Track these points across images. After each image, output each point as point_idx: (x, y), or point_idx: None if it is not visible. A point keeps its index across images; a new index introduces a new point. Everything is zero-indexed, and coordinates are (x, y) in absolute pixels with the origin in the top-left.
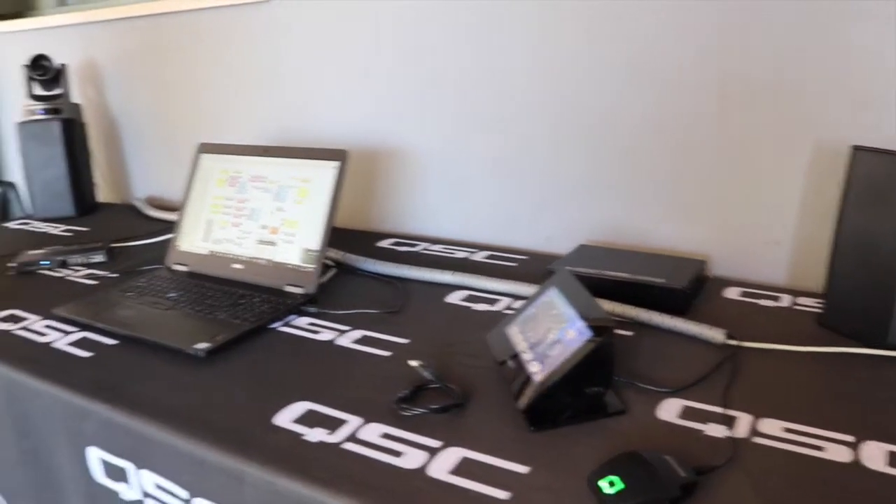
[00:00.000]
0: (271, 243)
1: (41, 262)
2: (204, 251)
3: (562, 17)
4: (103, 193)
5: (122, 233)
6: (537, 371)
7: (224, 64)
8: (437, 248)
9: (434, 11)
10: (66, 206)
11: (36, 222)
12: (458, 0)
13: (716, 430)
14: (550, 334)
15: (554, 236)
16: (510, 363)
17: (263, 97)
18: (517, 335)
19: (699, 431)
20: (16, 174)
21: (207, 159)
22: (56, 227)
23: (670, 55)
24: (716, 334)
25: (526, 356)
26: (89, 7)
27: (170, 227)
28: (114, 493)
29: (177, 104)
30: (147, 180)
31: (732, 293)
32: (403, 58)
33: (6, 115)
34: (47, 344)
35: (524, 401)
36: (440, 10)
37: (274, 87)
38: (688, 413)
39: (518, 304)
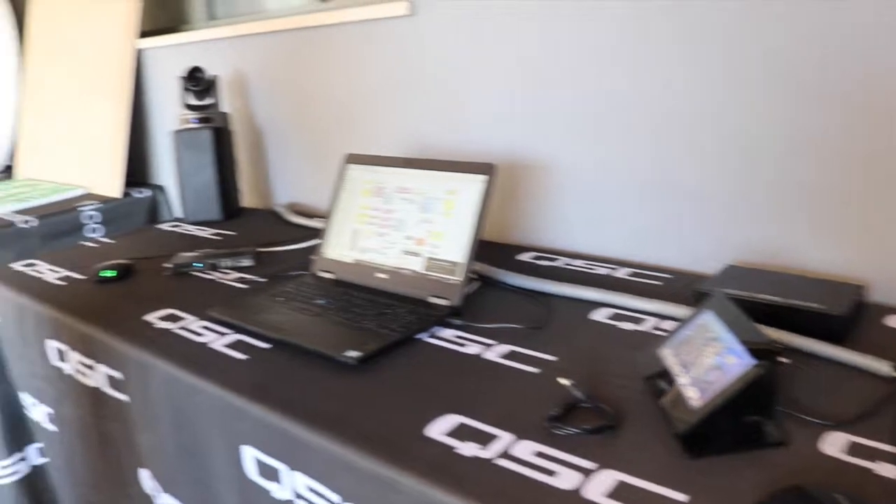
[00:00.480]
0: (416, 254)
1: (194, 264)
2: (349, 260)
3: (702, 31)
4: (246, 198)
5: (266, 237)
6: (695, 396)
7: (367, 76)
8: (577, 264)
9: (578, 27)
10: (214, 211)
11: (186, 225)
12: (602, 17)
13: (887, 470)
14: (708, 359)
15: (699, 255)
16: (664, 386)
17: (406, 109)
18: (671, 357)
19: (868, 470)
20: (165, 178)
21: (354, 169)
22: (204, 231)
23: (821, 62)
24: (882, 366)
25: (681, 380)
26: (238, 21)
27: (311, 233)
28: (265, 492)
29: (319, 114)
30: (288, 187)
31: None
32: (546, 72)
33: (158, 122)
34: (204, 344)
35: (682, 426)
36: (584, 26)
37: (416, 99)
38: (854, 449)
39: (665, 324)
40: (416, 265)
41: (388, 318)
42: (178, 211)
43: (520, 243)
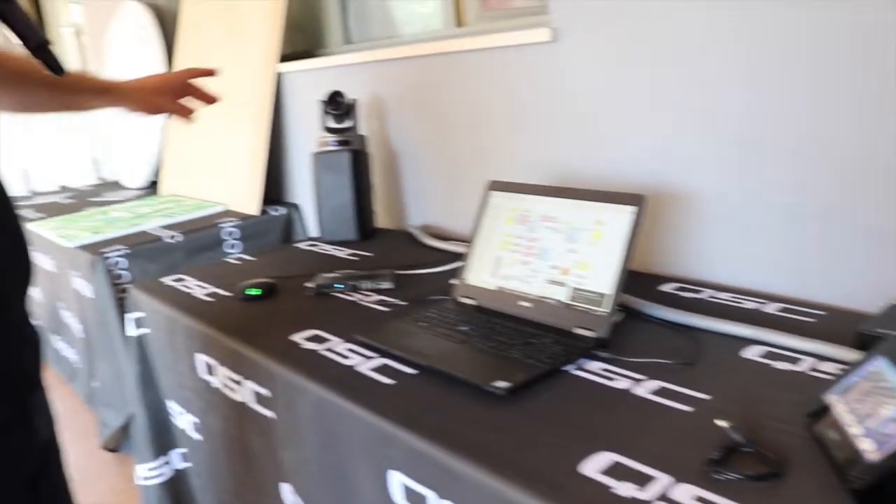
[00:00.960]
0: (561, 284)
1: (335, 285)
2: (492, 287)
3: (847, 53)
4: (380, 219)
5: (402, 260)
6: (871, 449)
7: (504, 102)
8: (723, 296)
9: (724, 53)
10: (350, 231)
11: (322, 244)
12: (745, 41)
13: None
14: (883, 409)
15: (852, 290)
16: (831, 434)
17: (543, 136)
18: (839, 404)
19: None
20: (299, 197)
21: (497, 196)
22: (341, 251)
23: None
24: None
25: (853, 430)
26: (375, 47)
27: (447, 257)
28: None
29: (455, 138)
30: (422, 209)
31: None
32: (690, 100)
33: (294, 142)
34: (351, 367)
35: (858, 481)
36: (730, 52)
37: (554, 126)
38: None
39: (823, 365)
40: (560, 295)
41: (533, 348)
42: (311, 229)
43: (661, 273)
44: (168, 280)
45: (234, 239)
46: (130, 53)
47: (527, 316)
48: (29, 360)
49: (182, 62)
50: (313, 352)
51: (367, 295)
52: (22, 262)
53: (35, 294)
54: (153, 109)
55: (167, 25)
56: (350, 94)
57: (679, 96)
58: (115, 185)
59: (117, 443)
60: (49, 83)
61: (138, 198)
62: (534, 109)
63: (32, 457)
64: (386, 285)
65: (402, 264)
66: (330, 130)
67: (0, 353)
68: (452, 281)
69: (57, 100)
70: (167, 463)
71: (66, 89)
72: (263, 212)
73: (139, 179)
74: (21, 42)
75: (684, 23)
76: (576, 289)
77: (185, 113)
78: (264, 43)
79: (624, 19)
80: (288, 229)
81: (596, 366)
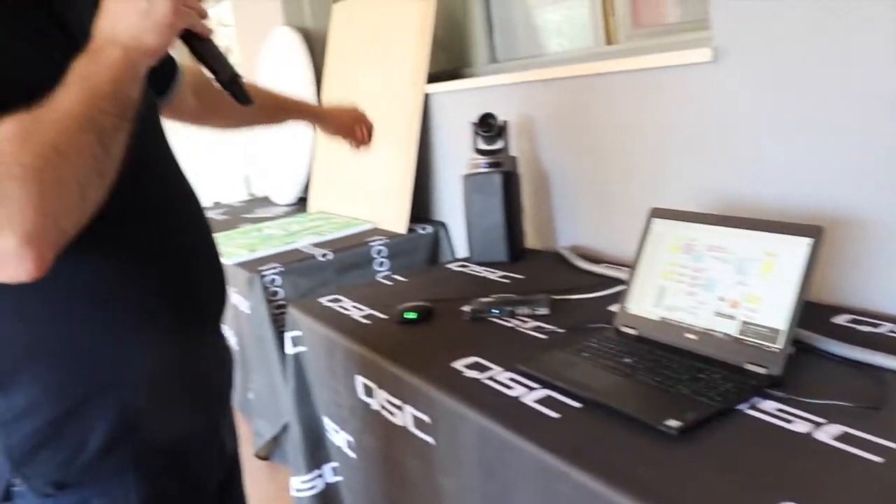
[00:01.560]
0: (730, 317)
1: (492, 311)
2: (655, 317)
3: None
4: (528, 239)
5: (554, 283)
6: None
7: (658, 124)
8: None
9: None
10: (500, 252)
11: (473, 266)
12: None
13: None
14: None
15: None
16: None
17: (701, 160)
18: None
19: None
20: (445, 215)
21: (659, 224)
22: (492, 272)
23: None
24: None
25: None
26: (523, 68)
27: (600, 280)
28: None
29: (605, 160)
30: (571, 230)
31: None
32: (861, 122)
33: (441, 160)
34: (515, 398)
35: None
36: None
37: (714, 150)
38: None
39: None
40: (729, 328)
41: (703, 385)
42: (458, 248)
43: (833, 303)
44: (325, 300)
45: (383, 257)
46: (281, 76)
47: (693, 349)
48: (221, 377)
49: (331, 84)
50: (475, 380)
51: (523, 321)
52: (217, 282)
53: None
54: (348, 133)
55: (316, 48)
56: (498, 114)
57: (850, 118)
58: (266, 201)
59: (269, 452)
60: (262, 103)
61: (288, 214)
62: (689, 132)
63: (220, 470)
64: (542, 311)
65: (556, 288)
66: (481, 152)
67: (198, 370)
68: (612, 308)
69: (266, 117)
70: (320, 476)
71: (275, 108)
72: (411, 230)
73: (288, 196)
74: (213, 76)
75: (857, 39)
76: (745, 322)
77: (368, 144)
78: (412, 64)
79: (790, 35)
80: (435, 248)
81: (770, 405)
